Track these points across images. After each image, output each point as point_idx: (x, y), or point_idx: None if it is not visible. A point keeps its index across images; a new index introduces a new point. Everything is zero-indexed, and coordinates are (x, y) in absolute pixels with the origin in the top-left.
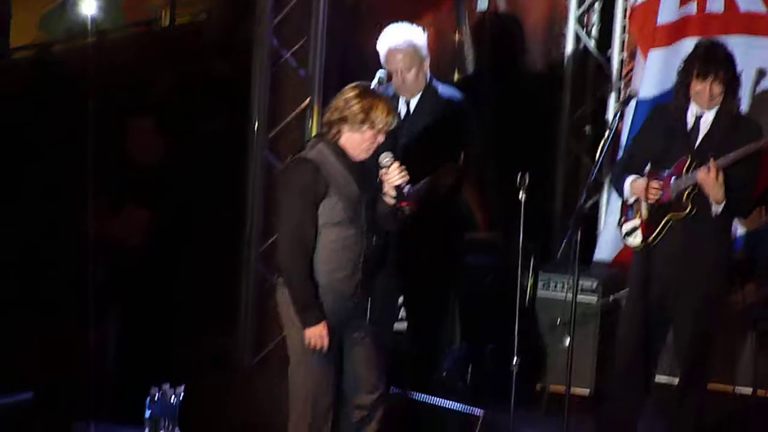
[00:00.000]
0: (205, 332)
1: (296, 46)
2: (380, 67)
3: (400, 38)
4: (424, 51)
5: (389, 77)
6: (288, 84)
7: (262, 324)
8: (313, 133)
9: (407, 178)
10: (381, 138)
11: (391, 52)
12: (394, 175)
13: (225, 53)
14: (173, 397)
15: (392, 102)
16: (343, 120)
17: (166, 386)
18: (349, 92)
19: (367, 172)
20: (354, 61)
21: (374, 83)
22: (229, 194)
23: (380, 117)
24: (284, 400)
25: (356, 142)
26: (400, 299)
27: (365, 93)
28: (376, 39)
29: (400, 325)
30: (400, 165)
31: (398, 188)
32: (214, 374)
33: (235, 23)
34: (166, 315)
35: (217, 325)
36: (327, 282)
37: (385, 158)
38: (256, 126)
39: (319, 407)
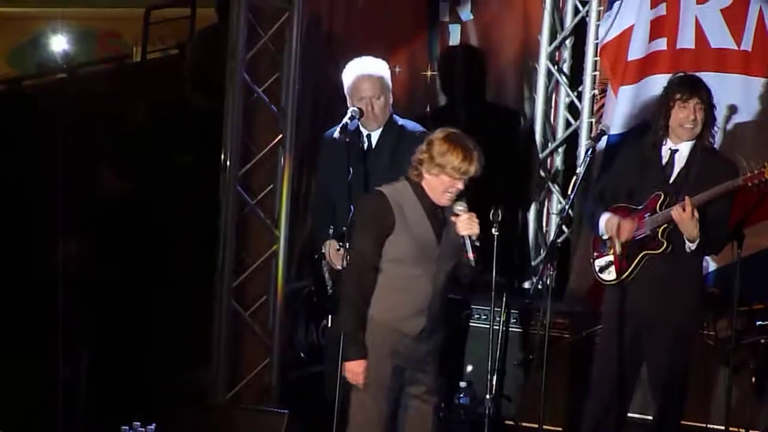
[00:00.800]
0: (178, 368)
1: (268, 82)
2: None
3: (368, 67)
4: (390, 82)
5: (360, 113)
6: (260, 119)
7: (236, 359)
8: (286, 170)
9: (477, 230)
10: (460, 185)
11: (359, 80)
12: (463, 225)
13: (197, 89)
14: None
15: (473, 151)
16: (422, 162)
17: (137, 424)
18: (436, 134)
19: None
20: (327, 96)
21: (346, 119)
22: (202, 230)
23: (455, 163)
24: None
25: (433, 185)
26: None
27: (448, 138)
28: None
29: None
30: (473, 216)
31: (467, 239)
32: (188, 410)
33: (207, 59)
34: (138, 351)
35: (190, 361)
36: (383, 319)
37: (458, 207)
38: (228, 161)
39: None
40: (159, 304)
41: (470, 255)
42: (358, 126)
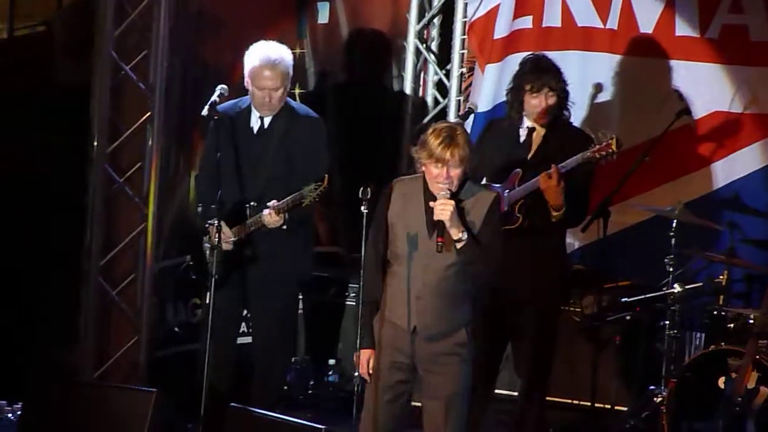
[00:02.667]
0: (46, 347)
1: (137, 59)
2: (221, 80)
3: (273, 56)
4: (291, 70)
5: (256, 94)
6: (129, 97)
7: (104, 338)
8: (155, 147)
9: (446, 216)
10: (445, 174)
11: (262, 68)
12: (435, 211)
13: (66, 65)
14: (10, 414)
15: (454, 139)
16: (416, 152)
17: (3, 403)
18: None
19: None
20: (196, 74)
21: (214, 97)
22: (70, 207)
23: (432, 149)
24: (126, 414)
25: (429, 176)
26: (244, 312)
27: (434, 126)
28: (219, 52)
29: (244, 339)
30: (446, 203)
31: (438, 223)
32: (55, 389)
33: (75, 36)
34: (4, 330)
35: (58, 339)
36: (382, 313)
37: (440, 193)
38: (96, 139)
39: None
40: (26, 283)
41: (439, 239)
42: (250, 105)
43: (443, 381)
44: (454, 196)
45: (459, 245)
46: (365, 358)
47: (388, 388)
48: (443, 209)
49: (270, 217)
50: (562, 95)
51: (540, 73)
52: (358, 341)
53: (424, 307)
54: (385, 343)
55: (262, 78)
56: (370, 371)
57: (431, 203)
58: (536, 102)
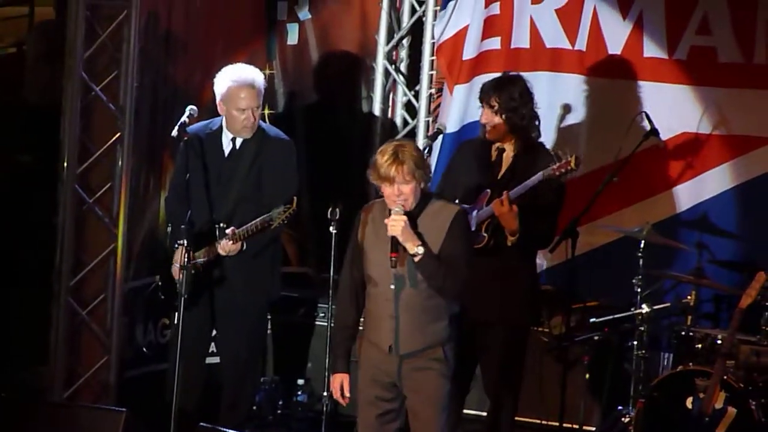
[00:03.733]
0: (15, 367)
1: (107, 80)
2: (191, 101)
3: (248, 77)
4: (263, 90)
5: (234, 116)
6: (98, 118)
7: (74, 358)
8: (125, 168)
9: (397, 231)
10: (396, 191)
11: (237, 89)
12: (388, 226)
13: (36, 86)
14: None
15: (399, 156)
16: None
17: None
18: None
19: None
20: (165, 95)
21: (184, 118)
22: (40, 228)
23: (380, 168)
24: None
25: (385, 196)
26: (213, 332)
27: (384, 145)
28: (188, 73)
29: (213, 359)
30: (397, 219)
31: (392, 239)
32: (24, 409)
33: (46, 57)
34: None
35: (27, 359)
36: (362, 334)
37: (394, 209)
38: (66, 160)
39: None
40: None
41: (392, 255)
42: (221, 127)
43: (422, 399)
44: (412, 211)
45: (416, 259)
46: (337, 384)
47: (369, 404)
48: (394, 225)
49: (226, 246)
50: (510, 115)
51: (485, 91)
52: (326, 361)
53: (397, 325)
54: (367, 364)
55: (239, 99)
56: (346, 394)
57: (385, 220)
58: (484, 118)
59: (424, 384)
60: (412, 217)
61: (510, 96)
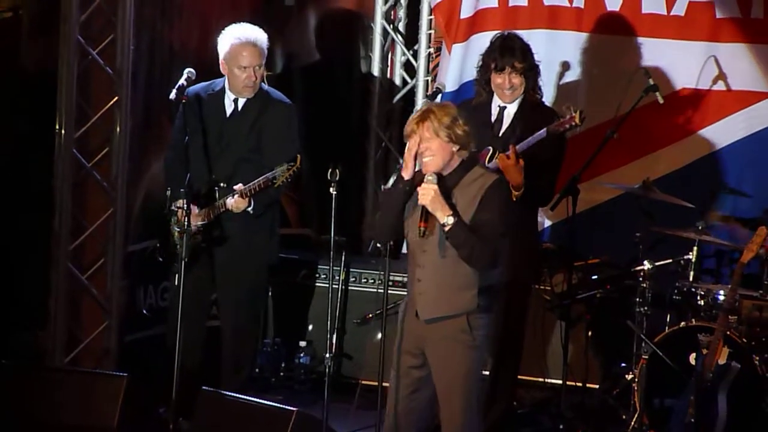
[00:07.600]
0: (16, 331)
1: (103, 44)
2: (188, 64)
3: (249, 34)
4: (266, 51)
5: (237, 75)
6: (96, 82)
7: (74, 322)
8: (123, 132)
9: (427, 201)
10: (429, 144)
11: (241, 47)
12: (419, 195)
13: (33, 51)
14: None
15: (422, 112)
16: None
17: None
18: None
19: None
20: (163, 58)
21: (182, 81)
22: (39, 193)
23: (409, 121)
24: (98, 398)
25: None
26: (213, 295)
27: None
28: (185, 36)
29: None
30: (428, 188)
31: (422, 207)
32: (25, 373)
33: (42, 21)
34: None
35: (27, 323)
36: (406, 301)
37: (427, 177)
38: (63, 124)
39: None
40: None
41: (421, 224)
42: (223, 88)
43: (445, 369)
44: (450, 179)
45: (446, 229)
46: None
47: (400, 375)
48: (424, 194)
49: (235, 202)
50: (529, 74)
51: (503, 53)
52: (328, 323)
53: (423, 289)
54: (403, 329)
55: (243, 57)
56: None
57: (417, 188)
58: (500, 81)
59: (447, 354)
60: (449, 185)
61: (532, 55)
